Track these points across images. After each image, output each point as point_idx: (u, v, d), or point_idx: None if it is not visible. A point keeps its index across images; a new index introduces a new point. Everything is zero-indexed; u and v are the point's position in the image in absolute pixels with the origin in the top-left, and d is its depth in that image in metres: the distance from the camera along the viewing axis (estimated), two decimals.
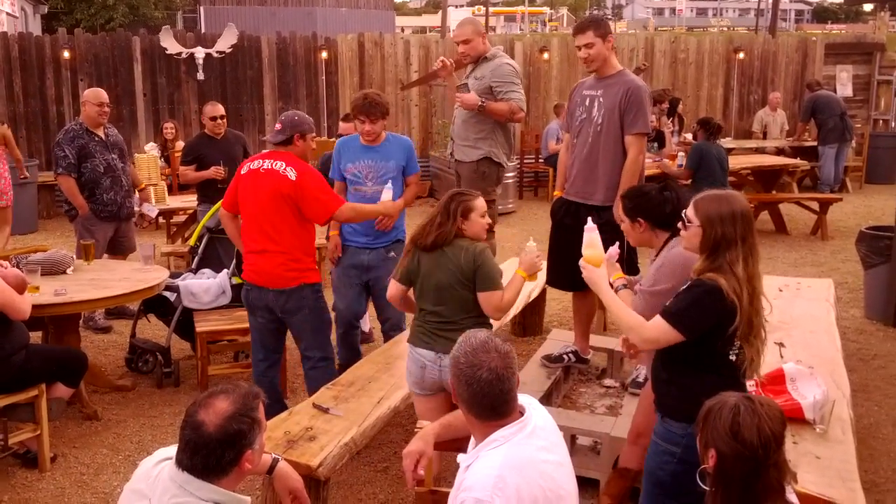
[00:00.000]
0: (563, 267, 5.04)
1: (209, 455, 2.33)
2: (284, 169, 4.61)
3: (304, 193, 4.59)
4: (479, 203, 3.90)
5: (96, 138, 6.81)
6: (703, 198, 3.15)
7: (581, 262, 3.41)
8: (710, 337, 3.05)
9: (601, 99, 4.98)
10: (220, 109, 7.52)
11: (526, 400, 2.63)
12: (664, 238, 3.70)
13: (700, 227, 3.09)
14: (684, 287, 3.13)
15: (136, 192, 7.28)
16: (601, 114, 4.98)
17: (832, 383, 4.33)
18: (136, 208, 7.28)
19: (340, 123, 6.83)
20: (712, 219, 3.05)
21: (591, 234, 3.55)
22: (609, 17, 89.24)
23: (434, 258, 3.85)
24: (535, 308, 6.76)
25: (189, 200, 8.89)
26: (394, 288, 4.03)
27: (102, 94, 6.91)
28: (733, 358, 3.05)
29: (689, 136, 11.45)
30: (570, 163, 5.20)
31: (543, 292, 6.69)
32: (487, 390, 2.47)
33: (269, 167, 4.64)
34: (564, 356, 5.23)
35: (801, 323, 5.43)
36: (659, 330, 3.06)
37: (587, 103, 5.04)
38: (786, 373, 4.14)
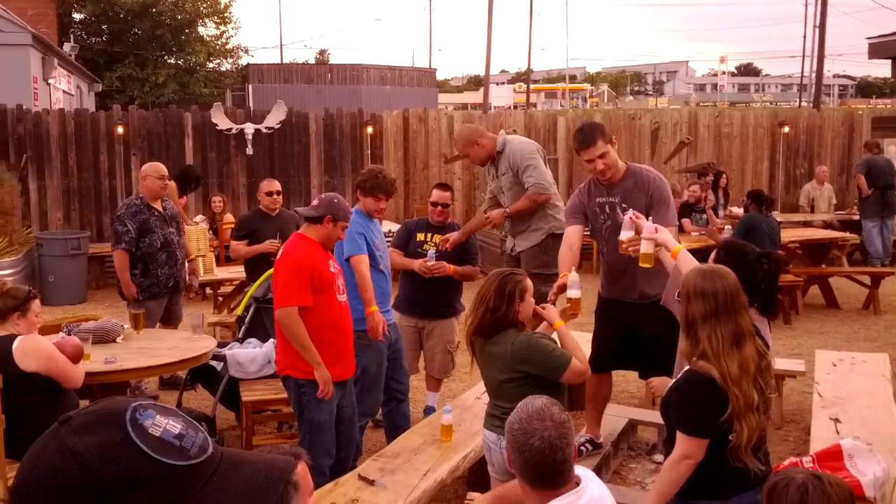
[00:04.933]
0: (609, 345, 4.96)
1: None
2: (280, 249, 4.70)
3: (275, 274, 4.62)
4: (530, 283, 3.87)
5: (156, 213, 6.86)
6: (691, 272, 3.20)
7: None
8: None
9: (624, 205, 4.69)
10: (276, 185, 7.50)
11: (582, 471, 2.57)
12: None
13: (682, 303, 3.12)
14: (680, 385, 3.14)
15: (186, 264, 7.35)
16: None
17: (892, 460, 4.19)
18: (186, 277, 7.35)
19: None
20: (689, 295, 3.08)
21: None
22: (650, 93, 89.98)
23: (486, 351, 3.81)
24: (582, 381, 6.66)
25: (235, 271, 8.98)
26: None
27: (162, 168, 7.01)
28: (733, 438, 3.02)
29: (738, 210, 11.39)
30: (607, 268, 5.02)
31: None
32: (539, 459, 2.43)
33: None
34: (582, 448, 5.06)
35: (856, 398, 5.29)
36: (687, 446, 3.06)
37: (607, 210, 4.81)
38: (843, 449, 4.02)
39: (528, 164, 5.89)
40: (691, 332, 3.07)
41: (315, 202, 4.75)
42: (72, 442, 1.00)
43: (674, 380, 3.34)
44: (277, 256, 6.89)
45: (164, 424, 1.03)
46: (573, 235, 4.91)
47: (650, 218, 4.22)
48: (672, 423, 3.15)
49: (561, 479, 2.46)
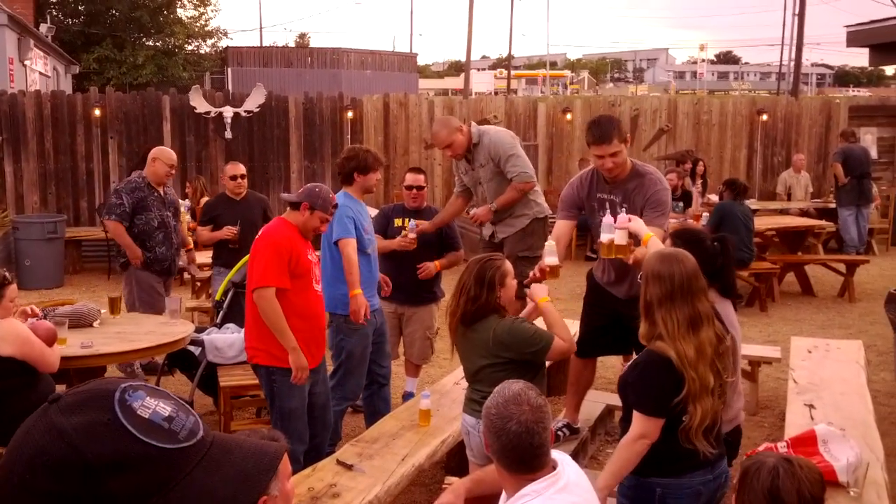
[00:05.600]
0: (596, 331, 4.97)
1: None
2: (259, 232, 4.69)
3: (252, 255, 4.59)
4: (509, 266, 3.89)
5: (155, 194, 6.89)
6: (651, 255, 3.27)
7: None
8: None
9: (625, 206, 4.66)
10: (240, 169, 7.34)
11: (559, 455, 2.59)
12: None
13: (642, 286, 3.20)
14: (639, 365, 3.21)
15: (184, 253, 7.35)
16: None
17: (865, 446, 4.23)
18: (185, 265, 7.39)
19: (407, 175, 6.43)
20: (648, 279, 3.14)
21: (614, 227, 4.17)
22: (630, 80, 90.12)
23: (466, 338, 3.82)
24: (562, 366, 6.69)
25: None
26: None
27: (174, 156, 7.02)
28: (686, 419, 3.08)
29: (714, 197, 11.44)
30: (601, 261, 4.96)
31: None
32: (517, 443, 2.45)
33: None
34: (559, 433, 5.09)
35: (831, 385, 5.34)
36: (643, 425, 3.11)
37: (607, 206, 4.73)
38: (818, 434, 4.05)
39: (510, 153, 5.86)
40: (649, 315, 3.13)
41: (301, 190, 4.76)
42: (59, 421, 0.99)
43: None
44: (235, 244, 6.95)
45: (154, 406, 1.02)
46: (562, 230, 4.88)
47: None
48: (630, 403, 3.20)
49: (538, 463, 2.48)
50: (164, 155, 6.97)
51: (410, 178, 6.24)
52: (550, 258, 4.34)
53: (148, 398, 1.03)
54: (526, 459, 2.46)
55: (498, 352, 3.73)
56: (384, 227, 6.17)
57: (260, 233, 4.68)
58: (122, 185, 6.96)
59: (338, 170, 5.53)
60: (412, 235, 5.88)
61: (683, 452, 3.09)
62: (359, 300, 5.06)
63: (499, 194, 5.91)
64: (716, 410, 3.10)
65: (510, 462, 2.49)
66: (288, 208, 4.72)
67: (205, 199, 10.81)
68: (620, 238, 4.18)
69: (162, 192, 6.96)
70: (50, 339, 4.60)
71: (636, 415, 3.12)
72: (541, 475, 2.46)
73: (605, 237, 4.27)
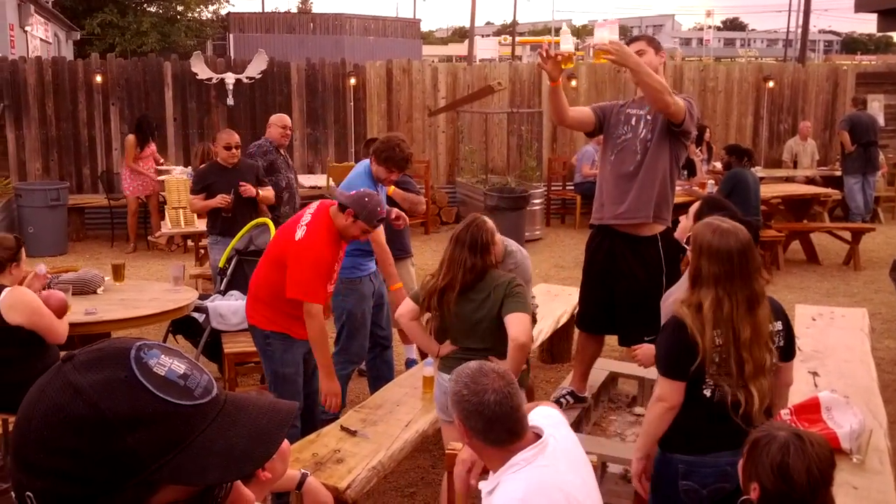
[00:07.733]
0: (594, 309, 4.94)
1: None
2: (302, 224, 4.43)
3: (292, 260, 4.34)
4: (491, 222, 3.89)
5: (282, 156, 7.54)
6: (704, 224, 3.12)
7: None
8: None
9: (648, 117, 4.72)
10: (235, 138, 7.08)
11: (544, 417, 2.56)
12: None
13: (692, 253, 3.10)
14: (663, 328, 3.20)
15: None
16: (649, 129, 4.71)
17: (868, 413, 4.24)
18: None
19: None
20: (701, 250, 3.02)
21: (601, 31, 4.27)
22: None
23: (465, 300, 3.78)
24: (564, 334, 6.70)
25: None
26: (409, 308, 3.98)
27: (286, 119, 7.72)
28: (708, 393, 3.01)
29: (719, 165, 11.38)
30: (600, 183, 4.96)
31: (572, 318, 6.63)
32: (500, 412, 2.40)
33: (303, 216, 4.53)
34: (562, 399, 5.09)
35: (835, 352, 5.34)
36: (661, 387, 3.10)
37: (633, 122, 4.77)
38: (821, 401, 4.06)
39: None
40: (696, 286, 3.03)
41: (351, 192, 4.59)
42: (75, 378, 0.98)
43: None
44: (228, 212, 6.89)
45: (169, 364, 1.03)
46: (582, 109, 5.10)
47: None
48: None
49: (521, 428, 2.43)
50: (275, 120, 7.71)
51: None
52: (567, 45, 4.37)
53: (163, 356, 1.04)
54: (512, 426, 2.41)
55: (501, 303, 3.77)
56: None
57: (306, 227, 4.40)
58: (253, 149, 7.52)
59: (373, 147, 5.63)
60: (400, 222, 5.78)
61: (706, 429, 3.02)
62: (400, 294, 5.01)
63: None
64: (771, 389, 3.05)
65: (498, 435, 2.42)
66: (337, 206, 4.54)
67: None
68: (601, 38, 4.28)
69: (284, 154, 7.62)
70: (61, 311, 4.59)
71: (657, 377, 3.13)
72: (526, 443, 2.42)
73: (598, 37, 4.37)
